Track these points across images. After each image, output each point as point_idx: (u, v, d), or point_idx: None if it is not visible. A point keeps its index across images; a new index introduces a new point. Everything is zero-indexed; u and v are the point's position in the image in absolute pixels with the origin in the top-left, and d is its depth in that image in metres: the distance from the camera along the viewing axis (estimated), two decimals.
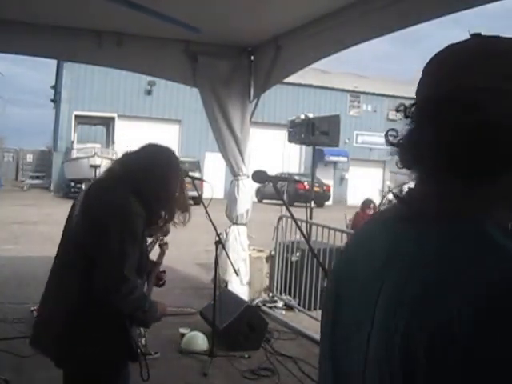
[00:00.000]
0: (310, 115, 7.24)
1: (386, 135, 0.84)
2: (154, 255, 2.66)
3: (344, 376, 0.87)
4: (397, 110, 0.84)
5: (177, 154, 2.56)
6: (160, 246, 3.22)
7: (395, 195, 0.86)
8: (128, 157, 2.42)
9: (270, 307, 6.51)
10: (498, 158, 0.75)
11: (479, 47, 0.79)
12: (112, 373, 2.22)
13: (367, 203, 8.95)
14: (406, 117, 0.82)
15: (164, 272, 2.96)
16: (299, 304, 6.41)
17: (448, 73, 0.79)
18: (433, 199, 0.79)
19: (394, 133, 0.84)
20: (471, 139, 0.74)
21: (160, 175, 2.33)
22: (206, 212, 4.51)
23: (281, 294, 6.78)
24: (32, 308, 5.19)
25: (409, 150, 0.81)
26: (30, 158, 33.06)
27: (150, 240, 2.89)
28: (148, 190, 2.27)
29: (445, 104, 0.76)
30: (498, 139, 0.74)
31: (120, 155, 2.49)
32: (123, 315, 2.18)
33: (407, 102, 0.84)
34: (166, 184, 2.34)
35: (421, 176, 0.83)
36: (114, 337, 2.17)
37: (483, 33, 0.82)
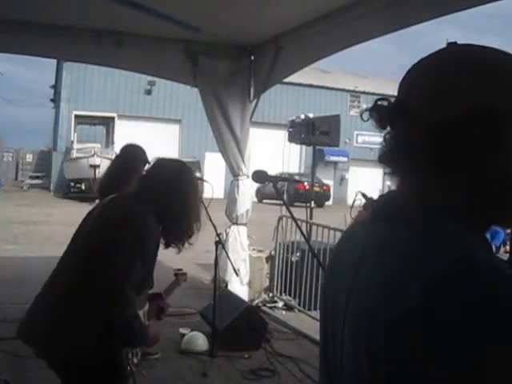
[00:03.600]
0: (310, 115, 7.24)
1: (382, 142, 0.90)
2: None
3: (332, 372, 0.90)
4: (363, 113, 0.90)
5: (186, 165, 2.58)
6: (175, 274, 3.15)
7: (364, 195, 0.95)
8: (147, 175, 2.48)
9: (270, 307, 6.51)
10: (453, 156, 0.80)
11: (442, 56, 0.86)
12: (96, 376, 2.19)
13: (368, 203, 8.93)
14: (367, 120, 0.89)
15: (168, 306, 2.89)
16: (299, 304, 6.41)
17: (409, 80, 0.87)
18: (400, 199, 0.85)
19: (384, 142, 0.89)
20: (425, 140, 0.80)
21: (179, 191, 2.35)
22: (206, 212, 4.51)
23: (281, 294, 6.78)
24: None
25: (383, 154, 0.88)
26: (29, 157, 33.06)
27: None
28: (168, 207, 2.31)
29: (402, 108, 0.84)
30: (449, 138, 0.79)
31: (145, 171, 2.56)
32: (113, 331, 2.14)
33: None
34: (185, 199, 2.36)
35: (395, 177, 0.88)
36: (100, 345, 2.14)
37: (458, 41, 0.88)
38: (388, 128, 0.88)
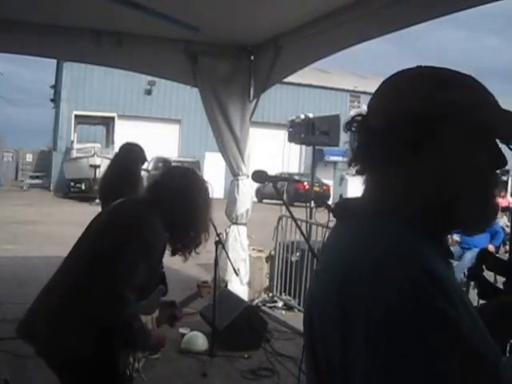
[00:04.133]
0: (310, 115, 7.23)
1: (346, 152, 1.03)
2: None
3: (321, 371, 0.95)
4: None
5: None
6: (198, 286, 3.13)
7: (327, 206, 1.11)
8: (159, 182, 2.47)
9: (270, 307, 6.51)
10: (394, 155, 0.91)
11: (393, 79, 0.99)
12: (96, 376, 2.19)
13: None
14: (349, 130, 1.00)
15: (181, 315, 2.87)
16: (299, 304, 6.41)
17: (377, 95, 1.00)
18: (359, 198, 0.99)
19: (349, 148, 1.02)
20: (373, 142, 0.92)
21: (191, 202, 2.37)
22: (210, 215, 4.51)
23: (281, 294, 6.78)
24: None
25: (354, 160, 1.00)
26: (29, 157, 33.05)
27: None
28: (179, 216, 2.32)
29: (359, 118, 0.98)
30: (390, 138, 0.91)
31: (153, 179, 2.55)
32: (111, 329, 2.15)
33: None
34: (196, 210, 2.38)
35: (365, 179, 1.01)
36: (99, 345, 2.14)
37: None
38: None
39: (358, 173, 0.99)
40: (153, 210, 2.29)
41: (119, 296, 2.09)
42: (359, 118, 0.98)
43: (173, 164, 2.63)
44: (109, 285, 2.10)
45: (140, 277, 2.16)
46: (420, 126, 0.89)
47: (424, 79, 0.94)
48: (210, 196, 2.52)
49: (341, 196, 1.10)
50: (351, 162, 1.00)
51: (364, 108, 1.00)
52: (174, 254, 2.42)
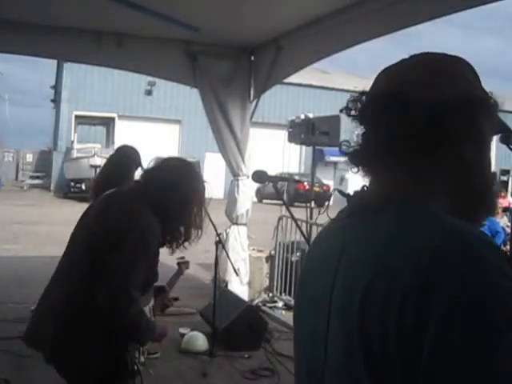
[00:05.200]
0: (310, 115, 7.23)
1: (340, 146, 0.94)
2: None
3: (313, 371, 0.91)
4: (341, 111, 0.94)
5: (197, 169, 2.53)
6: (178, 264, 3.15)
7: (340, 192, 0.98)
8: (153, 172, 2.41)
9: (270, 307, 6.51)
10: (429, 141, 0.83)
11: (415, 57, 0.92)
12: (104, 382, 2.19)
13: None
14: (349, 115, 0.92)
15: (176, 299, 2.88)
16: None
17: (388, 76, 0.92)
18: (377, 191, 0.88)
19: (347, 143, 0.93)
20: (398, 125, 0.84)
21: (183, 194, 2.31)
22: (206, 212, 4.51)
23: (281, 294, 6.78)
24: (32, 308, 5.17)
25: (359, 150, 0.91)
26: (29, 157, 33.02)
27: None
28: (169, 207, 2.27)
29: (384, 96, 0.87)
30: (429, 123, 0.83)
31: (146, 168, 2.48)
32: (120, 331, 2.15)
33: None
34: (188, 202, 2.32)
35: (370, 171, 0.91)
36: (107, 345, 2.14)
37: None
38: (362, 126, 0.91)
39: (371, 163, 0.90)
40: (144, 202, 2.24)
41: (126, 295, 2.08)
42: (387, 93, 0.87)
43: (168, 156, 2.52)
44: (113, 286, 2.08)
45: (141, 273, 2.14)
46: (469, 112, 0.84)
47: (465, 66, 0.90)
48: (205, 191, 2.45)
49: (341, 191, 1.03)
50: (367, 149, 0.89)
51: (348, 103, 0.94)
52: (161, 245, 2.36)
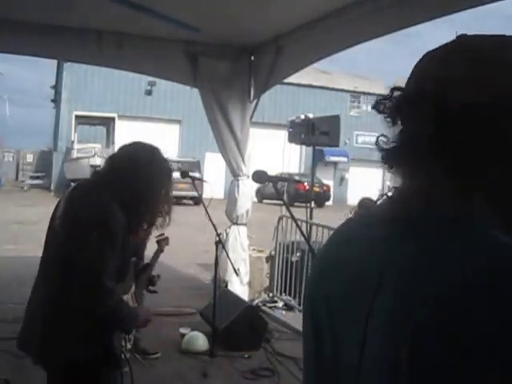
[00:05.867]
0: (310, 115, 7.24)
1: (377, 142, 0.83)
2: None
3: (329, 372, 0.86)
4: (373, 107, 0.84)
5: (162, 152, 2.44)
6: (158, 242, 3.15)
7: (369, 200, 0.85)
8: (112, 159, 2.37)
9: (270, 307, 6.51)
10: (479, 151, 0.74)
11: (456, 45, 0.81)
12: (93, 376, 2.19)
13: (366, 202, 8.91)
14: (381, 112, 0.82)
15: (158, 277, 2.88)
16: (299, 304, 6.40)
17: (424, 68, 0.81)
18: (420, 200, 0.78)
19: (384, 138, 0.83)
20: (448, 130, 0.74)
21: (144, 177, 2.26)
22: (206, 212, 4.51)
23: (281, 294, 6.79)
24: None
25: (396, 149, 0.80)
26: (30, 158, 33.02)
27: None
28: (131, 192, 2.22)
29: (422, 98, 0.77)
30: (470, 125, 0.74)
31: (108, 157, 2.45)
32: (101, 321, 2.16)
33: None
34: (150, 186, 2.28)
35: (406, 175, 0.81)
36: (93, 339, 2.16)
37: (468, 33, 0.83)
38: (396, 124, 0.81)
39: (410, 165, 0.80)
40: (105, 191, 2.21)
41: (99, 286, 2.08)
42: (415, 93, 0.78)
43: (136, 141, 2.47)
44: (86, 279, 2.08)
45: (112, 262, 2.13)
46: None
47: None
48: (170, 174, 2.39)
49: (370, 200, 0.89)
50: (402, 156, 0.79)
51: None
52: (130, 232, 2.30)
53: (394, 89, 0.81)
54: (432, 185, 0.77)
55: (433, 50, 0.82)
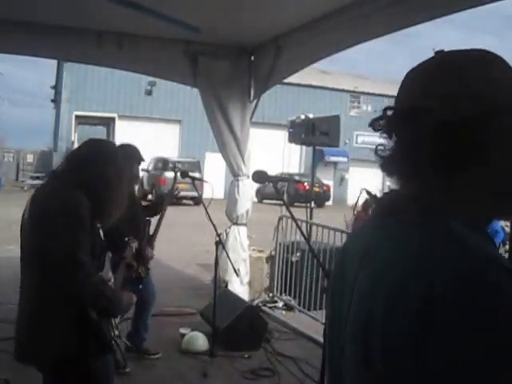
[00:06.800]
0: (310, 115, 7.25)
1: (376, 151, 0.92)
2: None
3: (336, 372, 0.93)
4: (370, 125, 0.92)
5: (114, 143, 2.67)
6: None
7: (368, 192, 0.99)
8: (70, 154, 2.55)
9: (270, 307, 6.52)
10: (460, 154, 0.82)
11: (438, 62, 0.88)
12: (85, 367, 2.21)
13: (369, 203, 8.91)
14: (377, 130, 0.90)
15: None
16: (299, 304, 6.41)
17: (412, 86, 0.89)
18: (406, 199, 0.87)
19: (382, 147, 0.91)
20: (433, 139, 0.82)
21: (98, 163, 2.37)
22: (206, 212, 4.51)
23: (281, 294, 6.79)
24: None
25: (388, 157, 0.90)
26: (30, 158, 33.02)
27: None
28: (89, 179, 2.31)
29: (409, 111, 0.85)
30: (456, 137, 0.81)
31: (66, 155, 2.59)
32: (88, 305, 2.19)
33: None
34: (103, 171, 2.36)
35: (398, 179, 0.90)
36: (81, 328, 2.18)
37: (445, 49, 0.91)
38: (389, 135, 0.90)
39: (399, 177, 0.90)
40: (67, 181, 2.30)
41: (76, 262, 2.12)
42: (406, 110, 0.86)
43: (93, 138, 2.64)
44: (62, 262, 2.12)
45: (85, 242, 2.18)
46: (497, 119, 0.82)
47: (494, 63, 0.86)
48: (123, 169, 2.51)
49: (368, 192, 1.03)
50: (389, 164, 0.90)
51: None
52: (101, 215, 2.39)
53: (386, 108, 0.89)
54: (422, 183, 0.86)
55: (416, 67, 0.90)
